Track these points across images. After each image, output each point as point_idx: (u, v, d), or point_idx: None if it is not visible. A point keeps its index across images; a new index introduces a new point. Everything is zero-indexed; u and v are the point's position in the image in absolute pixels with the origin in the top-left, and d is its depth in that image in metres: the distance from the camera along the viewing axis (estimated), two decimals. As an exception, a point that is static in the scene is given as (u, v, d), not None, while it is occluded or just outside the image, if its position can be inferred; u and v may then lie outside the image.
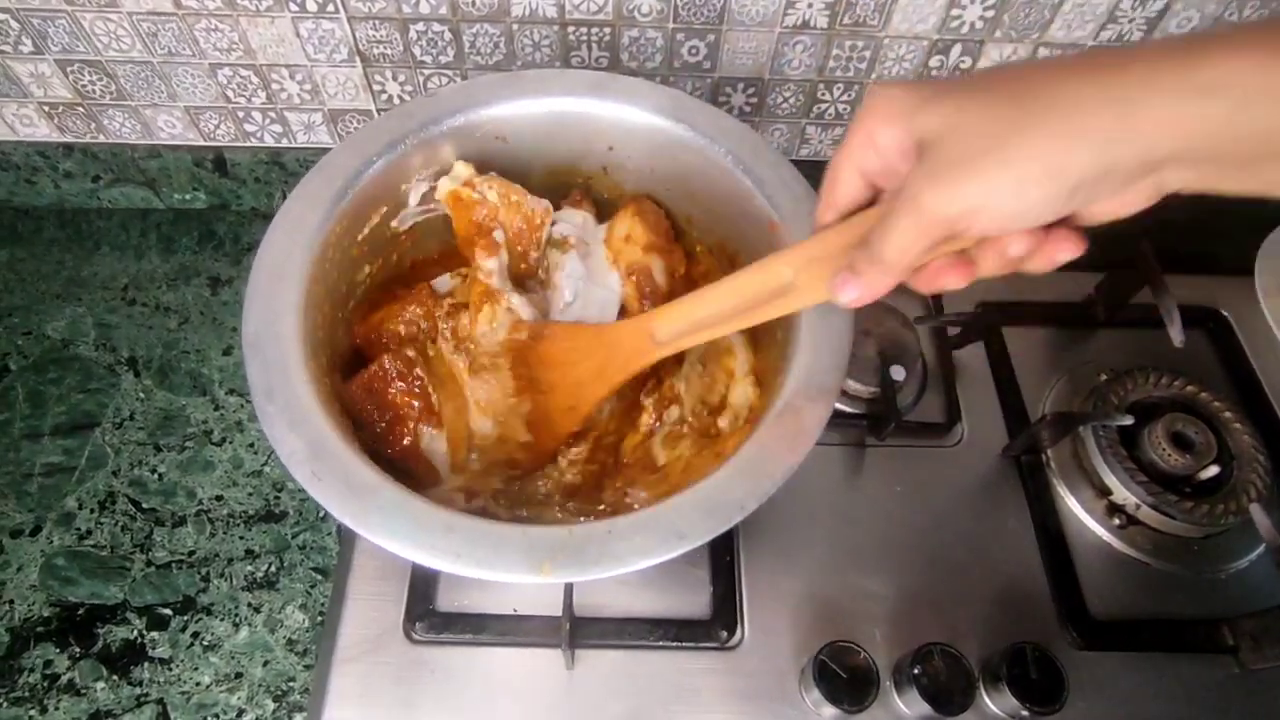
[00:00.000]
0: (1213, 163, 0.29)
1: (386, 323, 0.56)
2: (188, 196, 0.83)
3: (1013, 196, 0.31)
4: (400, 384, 0.52)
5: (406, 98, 0.73)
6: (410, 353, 0.54)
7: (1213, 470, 0.65)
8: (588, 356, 0.52)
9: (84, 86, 0.72)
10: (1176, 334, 0.65)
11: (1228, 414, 0.67)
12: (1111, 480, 0.65)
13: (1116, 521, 0.65)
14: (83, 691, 0.58)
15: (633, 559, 0.41)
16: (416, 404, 0.53)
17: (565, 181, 0.61)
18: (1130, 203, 0.32)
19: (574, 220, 0.60)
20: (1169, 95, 0.28)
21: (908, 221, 0.33)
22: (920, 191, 0.32)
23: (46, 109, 0.74)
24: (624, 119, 0.56)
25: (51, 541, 0.64)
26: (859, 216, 0.39)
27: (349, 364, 0.55)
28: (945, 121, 0.32)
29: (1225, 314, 0.77)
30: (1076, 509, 0.66)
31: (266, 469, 0.68)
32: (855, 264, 0.37)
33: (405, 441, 0.52)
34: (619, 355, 0.50)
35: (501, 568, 0.40)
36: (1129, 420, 0.65)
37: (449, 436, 0.53)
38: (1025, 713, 0.53)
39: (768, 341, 0.54)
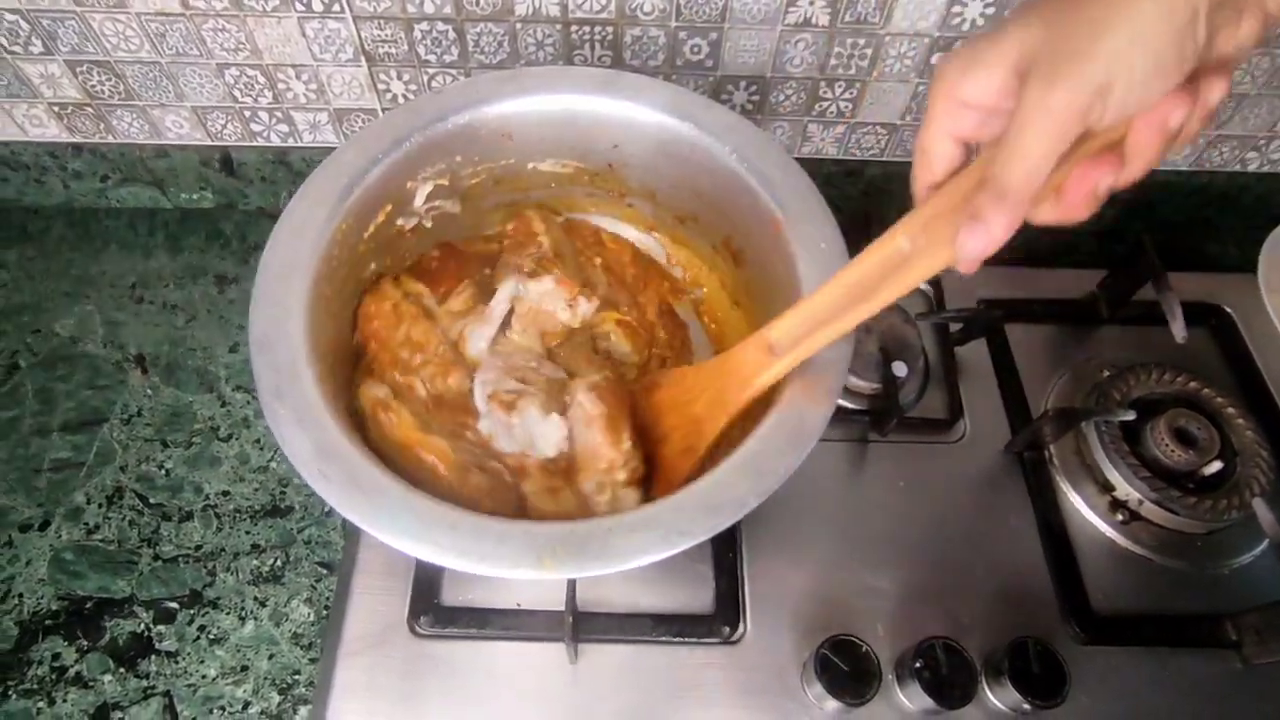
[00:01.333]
0: None
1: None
2: (195, 196, 0.84)
3: (1141, 54, 0.29)
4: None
5: (411, 97, 0.74)
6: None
7: (1216, 466, 0.65)
8: (705, 390, 0.50)
9: (93, 87, 0.73)
10: (1179, 330, 0.66)
11: (1231, 410, 0.67)
12: (1114, 476, 0.65)
13: (1119, 517, 0.65)
14: (90, 684, 0.59)
15: (634, 555, 0.41)
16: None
17: (570, 179, 0.62)
18: (1248, 34, 0.30)
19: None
20: None
21: (1035, 130, 0.31)
22: (1042, 95, 0.30)
23: (56, 109, 0.75)
24: (629, 116, 0.56)
25: (60, 536, 0.64)
26: (965, 173, 0.37)
27: (357, 361, 0.56)
28: (1034, 32, 0.31)
29: (1228, 310, 0.77)
30: (1079, 505, 0.66)
31: (273, 464, 0.68)
32: (978, 207, 0.34)
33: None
34: (737, 378, 0.48)
35: (504, 563, 0.41)
36: (1131, 416, 0.65)
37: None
38: (1027, 706, 0.53)
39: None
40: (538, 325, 0.58)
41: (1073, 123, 0.30)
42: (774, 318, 0.46)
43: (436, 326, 0.57)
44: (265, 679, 0.59)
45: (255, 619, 0.62)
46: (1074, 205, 0.34)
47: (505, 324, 0.58)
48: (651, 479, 0.52)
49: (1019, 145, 0.31)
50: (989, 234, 0.33)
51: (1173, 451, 0.64)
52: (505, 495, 0.50)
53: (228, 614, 0.62)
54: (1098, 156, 0.32)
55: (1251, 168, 0.81)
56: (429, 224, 0.59)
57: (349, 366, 0.55)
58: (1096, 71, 0.29)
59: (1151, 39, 0.28)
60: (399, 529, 0.41)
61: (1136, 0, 0.28)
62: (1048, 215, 0.35)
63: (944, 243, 0.37)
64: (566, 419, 0.52)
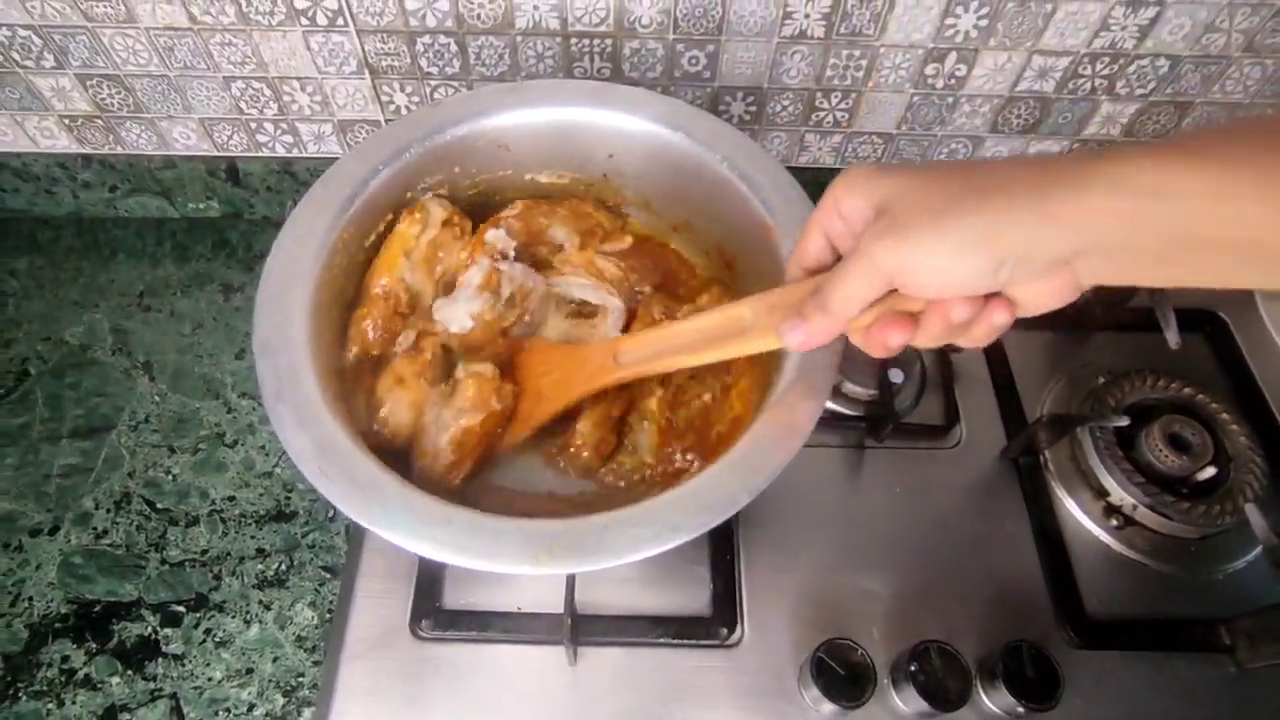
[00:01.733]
0: (1128, 253, 0.33)
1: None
2: (202, 205, 0.85)
3: (947, 259, 0.34)
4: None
5: (414, 108, 0.75)
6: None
7: (1209, 471, 0.65)
8: (555, 369, 0.56)
9: (103, 100, 0.74)
10: (1173, 337, 0.66)
11: (1225, 416, 0.68)
12: (1109, 481, 0.66)
13: (1114, 522, 0.66)
14: (99, 686, 0.60)
15: (628, 551, 0.42)
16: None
17: (566, 189, 0.63)
18: (1051, 291, 0.35)
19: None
20: (1084, 189, 0.32)
21: (855, 271, 0.37)
22: (870, 244, 0.36)
23: (66, 121, 0.76)
24: (623, 127, 0.57)
25: (69, 540, 0.66)
26: (818, 276, 0.42)
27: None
28: (900, 192, 0.36)
29: (1223, 317, 0.77)
30: (1074, 510, 0.67)
31: (277, 470, 0.69)
32: (804, 309, 0.40)
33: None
34: (583, 372, 0.54)
35: (500, 559, 0.42)
36: (1126, 422, 0.65)
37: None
38: (1021, 710, 0.54)
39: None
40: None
41: (881, 279, 0.36)
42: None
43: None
44: (270, 681, 0.60)
45: (260, 622, 0.63)
46: (872, 347, 0.40)
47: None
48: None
49: (844, 274, 0.37)
50: (808, 334, 0.40)
51: (1167, 457, 0.65)
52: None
53: (233, 617, 0.63)
54: (897, 316, 0.39)
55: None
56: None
57: (350, 371, 0.56)
58: (913, 251, 0.35)
59: (965, 255, 0.34)
60: (397, 525, 0.42)
61: (970, 223, 0.34)
62: (856, 340, 0.41)
63: (775, 330, 0.42)
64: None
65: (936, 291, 0.36)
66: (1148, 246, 0.32)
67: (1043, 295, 0.35)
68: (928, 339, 0.38)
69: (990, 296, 0.36)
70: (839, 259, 0.41)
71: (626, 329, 0.60)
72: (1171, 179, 0.31)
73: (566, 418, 0.56)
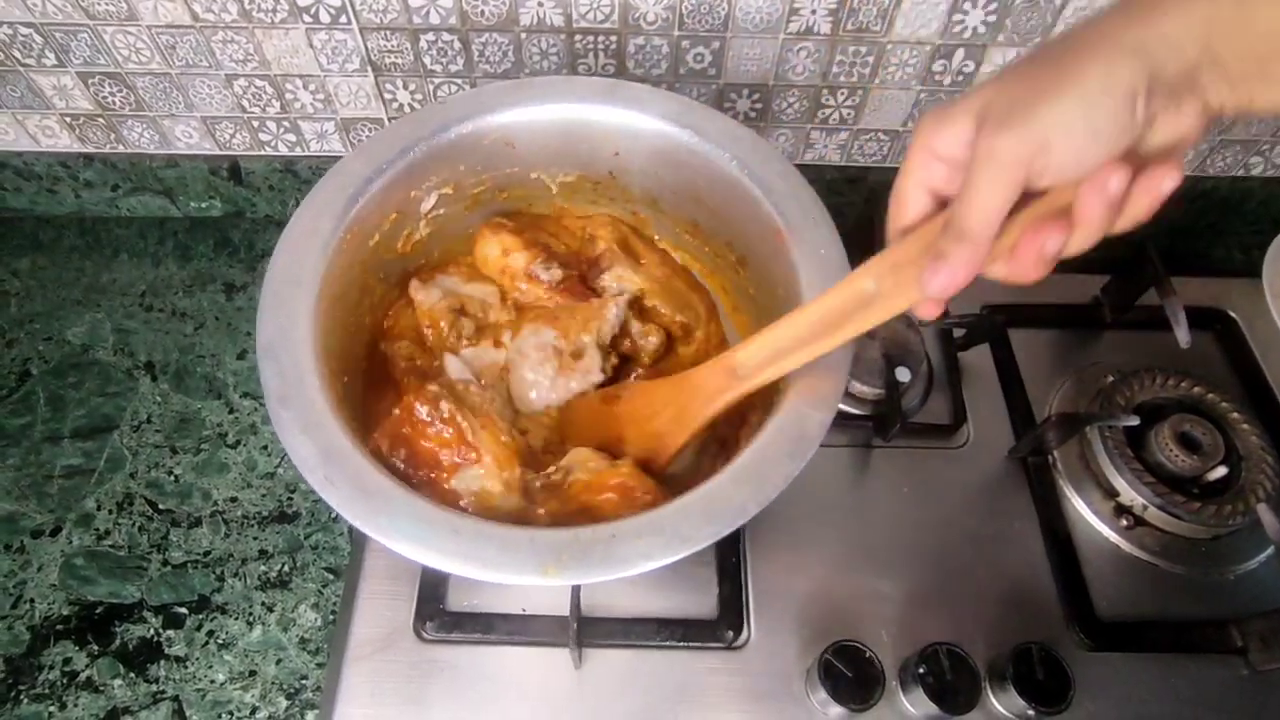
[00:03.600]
0: (1237, 64, 0.31)
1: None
2: (204, 205, 0.85)
3: (1080, 118, 0.31)
4: (431, 428, 0.50)
5: (417, 106, 0.75)
6: (434, 388, 0.51)
7: (1220, 471, 0.65)
8: (667, 406, 0.51)
9: (104, 98, 0.74)
10: (1183, 335, 0.66)
11: (1235, 415, 0.67)
12: (1119, 481, 0.65)
13: (1124, 522, 0.65)
14: (101, 689, 0.59)
15: (636, 562, 0.42)
16: (450, 442, 0.50)
17: (573, 187, 0.62)
18: (1189, 124, 0.32)
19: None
20: (1181, 5, 0.31)
21: (984, 176, 0.33)
22: (989, 143, 0.33)
23: (68, 120, 0.76)
24: (630, 125, 0.57)
25: (71, 542, 0.65)
26: (932, 223, 0.38)
27: (362, 368, 0.56)
28: (995, 93, 0.34)
29: (1233, 315, 0.77)
30: (1083, 510, 0.66)
31: (280, 471, 0.69)
32: (941, 248, 0.36)
33: (446, 487, 0.50)
34: (699, 398, 0.50)
35: (507, 569, 0.41)
36: (1135, 421, 0.65)
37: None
38: (1031, 713, 0.53)
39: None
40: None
41: (1016, 170, 0.33)
42: (749, 318, 0.48)
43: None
44: (273, 684, 0.60)
45: (263, 624, 0.62)
46: (1025, 266, 0.35)
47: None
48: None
49: (972, 189, 0.34)
50: (952, 273, 0.36)
51: (1177, 457, 0.64)
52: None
53: (236, 619, 0.62)
54: (1047, 219, 0.34)
55: (1255, 172, 0.81)
56: (431, 232, 0.60)
57: (355, 373, 0.55)
58: (1038, 127, 0.32)
59: (1091, 108, 0.31)
60: (403, 534, 0.42)
61: (1085, 72, 0.31)
62: (1001, 272, 0.37)
63: (908, 285, 0.39)
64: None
65: (1079, 163, 0.32)
66: (1258, 54, 0.30)
67: (1183, 130, 0.33)
68: (1088, 230, 0.34)
69: (1144, 163, 0.33)
70: (943, 207, 0.38)
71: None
72: None
73: None
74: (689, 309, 0.62)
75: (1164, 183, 0.33)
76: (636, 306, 0.60)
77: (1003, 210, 0.34)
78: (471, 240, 0.62)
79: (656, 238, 0.66)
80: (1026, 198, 0.34)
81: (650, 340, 0.60)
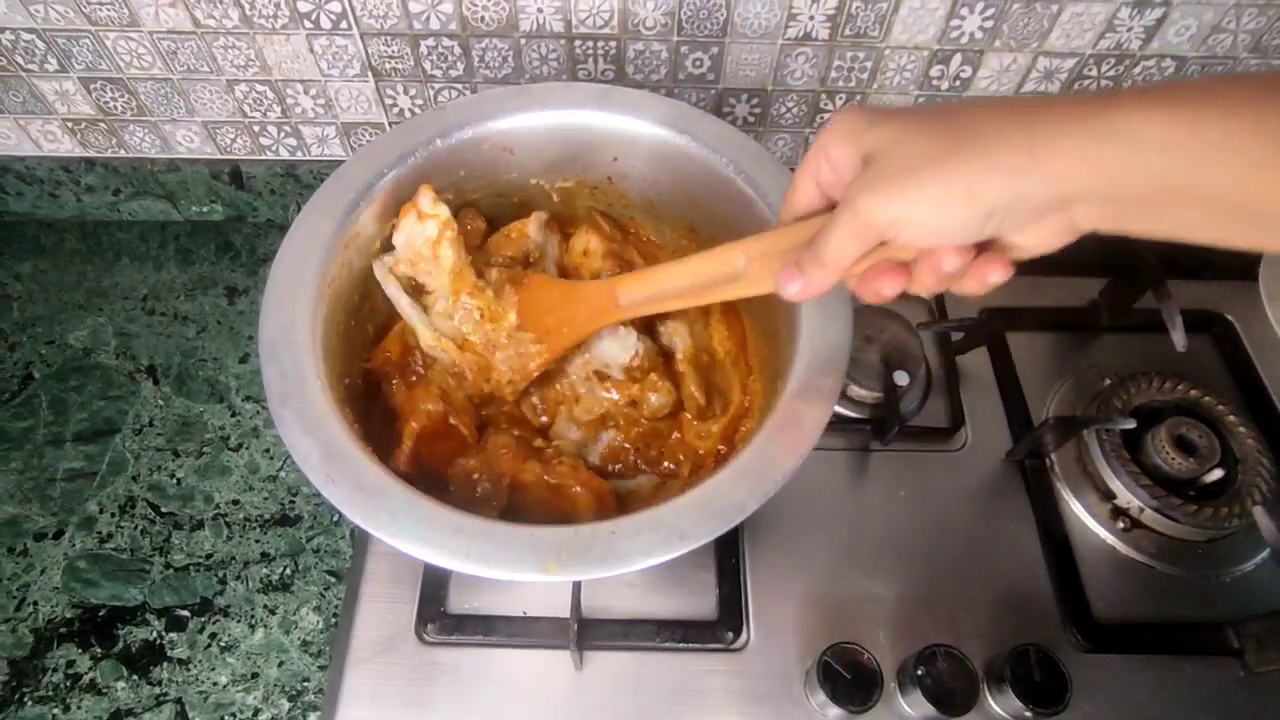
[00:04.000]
0: (1116, 203, 0.32)
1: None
2: (205, 209, 0.85)
3: (934, 211, 0.34)
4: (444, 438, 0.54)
5: (417, 111, 0.75)
6: (430, 406, 0.54)
7: (1217, 474, 0.65)
8: (558, 307, 0.56)
9: (106, 103, 0.74)
10: (1179, 338, 0.66)
11: (1231, 418, 0.67)
12: (1115, 484, 0.66)
13: (1120, 525, 0.65)
14: (104, 691, 0.60)
15: (636, 558, 0.42)
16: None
17: (571, 192, 0.63)
18: (1047, 236, 0.35)
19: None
20: (1074, 137, 0.32)
21: (845, 225, 0.36)
22: (856, 197, 0.36)
23: (70, 125, 0.76)
24: (628, 130, 0.57)
25: (74, 545, 0.66)
26: (812, 220, 0.42)
27: (364, 369, 0.57)
28: (886, 141, 0.36)
29: (1229, 318, 0.77)
30: (1080, 513, 0.66)
31: (282, 474, 0.69)
32: (800, 261, 0.40)
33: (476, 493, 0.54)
34: (583, 311, 0.54)
35: (508, 566, 0.42)
36: (1132, 424, 0.65)
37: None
38: (1029, 714, 0.54)
39: (769, 344, 0.56)
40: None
41: (871, 232, 0.36)
42: (766, 329, 0.50)
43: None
44: (275, 686, 0.60)
45: (265, 627, 0.62)
46: (865, 294, 0.40)
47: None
48: None
49: (834, 230, 0.37)
50: (805, 285, 0.40)
51: (1174, 459, 0.65)
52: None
53: (238, 622, 0.63)
54: (889, 266, 0.38)
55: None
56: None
57: (356, 374, 0.55)
58: (900, 205, 0.35)
59: (951, 206, 0.34)
60: (404, 532, 0.42)
61: (956, 173, 0.33)
62: (851, 287, 0.41)
63: (769, 277, 0.43)
64: None
65: (926, 242, 0.36)
66: (1137, 197, 0.32)
67: (1039, 239, 0.35)
68: (921, 288, 0.38)
69: (983, 247, 0.36)
70: (831, 206, 0.41)
71: None
72: (1162, 129, 0.30)
73: None
74: (715, 392, 0.61)
75: (990, 275, 0.36)
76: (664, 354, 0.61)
77: (856, 256, 0.37)
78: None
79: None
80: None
81: (652, 399, 0.58)
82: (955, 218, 0.34)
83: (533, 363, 0.56)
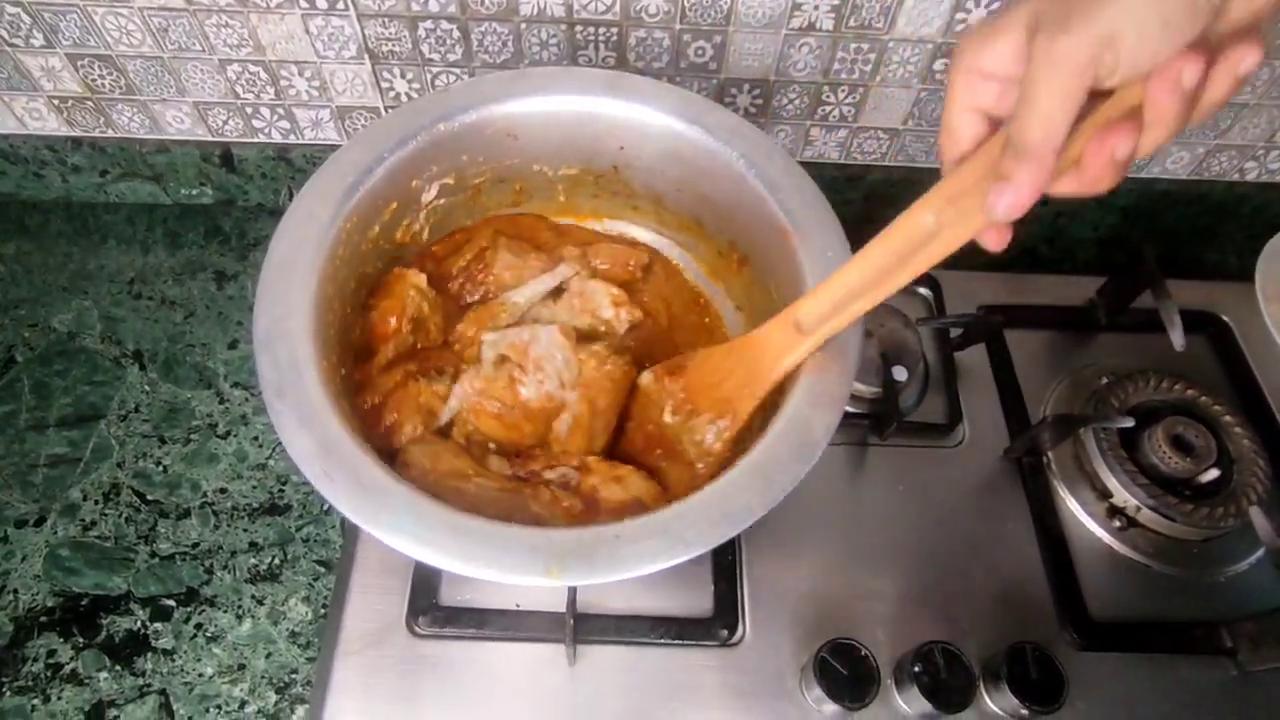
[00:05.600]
0: None
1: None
2: (194, 191, 0.83)
3: (1149, 5, 0.28)
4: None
5: (414, 95, 0.74)
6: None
7: (1213, 473, 0.65)
8: (734, 370, 0.50)
9: (94, 81, 0.72)
10: (1178, 338, 0.66)
11: (1228, 418, 0.68)
12: (1112, 482, 0.66)
13: (1117, 524, 0.65)
14: (86, 681, 0.58)
15: (640, 564, 0.41)
16: None
17: (575, 180, 0.62)
18: None
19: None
20: None
21: (1046, 84, 0.31)
22: (1052, 46, 0.30)
23: (56, 103, 0.74)
24: (636, 119, 0.56)
25: (56, 532, 0.64)
26: (987, 146, 0.36)
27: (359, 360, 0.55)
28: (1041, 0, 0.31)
29: (1226, 319, 0.77)
30: (1077, 511, 0.66)
31: (271, 462, 0.68)
32: (1004, 168, 0.34)
33: None
34: (767, 357, 0.49)
35: (509, 570, 0.40)
36: (1130, 423, 0.65)
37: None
38: (1025, 712, 0.54)
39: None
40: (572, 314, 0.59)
41: (1082, 73, 0.30)
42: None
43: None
44: (262, 678, 0.59)
45: (253, 617, 0.61)
46: (1095, 175, 0.33)
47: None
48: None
49: (1032, 100, 0.31)
50: (1016, 193, 0.33)
51: (1170, 459, 0.65)
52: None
53: (225, 612, 0.61)
54: (1115, 123, 0.32)
55: (1250, 177, 0.82)
56: (431, 222, 0.59)
57: (353, 366, 0.54)
58: (1103, 22, 0.29)
59: None
60: (403, 532, 0.41)
61: None
62: (1070, 186, 0.34)
63: (971, 214, 0.37)
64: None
65: (1151, 57, 0.29)
66: None
67: (1259, 2, 0.29)
68: (1162, 130, 0.31)
69: (1220, 43, 0.30)
70: (995, 129, 0.36)
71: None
72: None
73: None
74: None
75: (1244, 62, 0.30)
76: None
77: (1069, 119, 0.31)
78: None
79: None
80: (1090, 102, 0.31)
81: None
82: (1173, 2, 0.28)
83: (718, 442, 0.51)
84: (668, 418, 0.53)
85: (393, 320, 0.54)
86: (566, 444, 0.53)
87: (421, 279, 0.56)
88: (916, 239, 0.40)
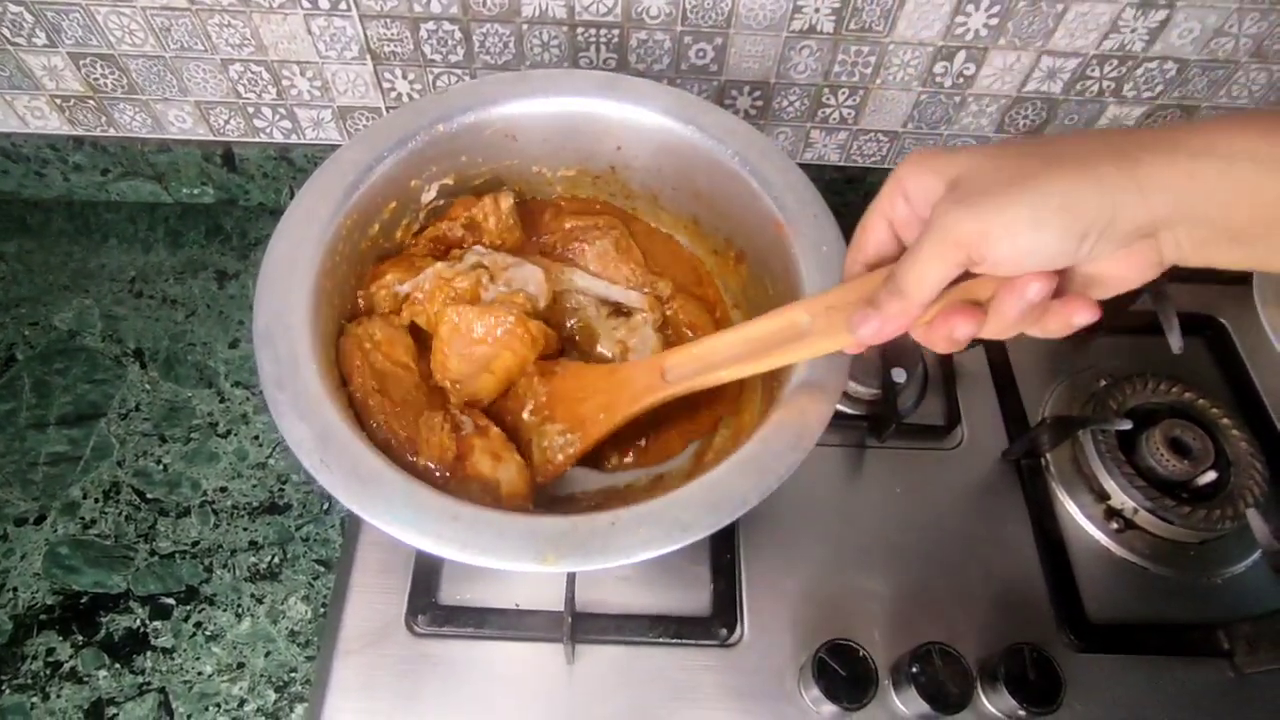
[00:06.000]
0: (1207, 227, 0.32)
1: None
2: (196, 191, 0.84)
3: (1028, 226, 0.32)
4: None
5: (416, 96, 0.74)
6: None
7: (1210, 476, 0.65)
8: (596, 393, 0.52)
9: (96, 80, 0.72)
10: (1176, 341, 0.66)
11: (1225, 420, 0.68)
12: (1110, 485, 0.66)
13: (1114, 526, 0.66)
14: (85, 679, 0.58)
15: (635, 550, 0.42)
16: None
17: (573, 181, 0.62)
18: (1135, 266, 0.34)
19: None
20: (1165, 155, 0.31)
21: (930, 245, 0.34)
22: (943, 216, 0.34)
23: (58, 102, 0.75)
24: (632, 119, 0.57)
25: (56, 530, 0.64)
26: (879, 272, 0.40)
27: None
28: (973, 165, 0.35)
29: (1224, 322, 0.77)
30: (1075, 513, 0.67)
31: (271, 461, 0.68)
32: (875, 299, 0.38)
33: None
34: (627, 393, 0.51)
35: (505, 556, 0.41)
36: (1128, 425, 0.65)
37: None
38: (1022, 713, 0.54)
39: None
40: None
41: (959, 251, 0.34)
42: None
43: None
44: (261, 676, 0.59)
45: (252, 616, 0.61)
46: (936, 340, 0.38)
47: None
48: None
49: (916, 252, 0.35)
50: (881, 323, 0.38)
51: (1168, 461, 0.65)
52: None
53: (224, 611, 0.61)
54: (963, 305, 0.36)
55: (1248, 181, 0.82)
56: (426, 221, 0.59)
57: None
58: (992, 218, 0.33)
59: (1040, 224, 0.32)
60: (400, 519, 0.41)
61: (1051, 187, 0.32)
62: (919, 336, 0.39)
63: (839, 328, 0.41)
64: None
65: (1014, 265, 0.33)
66: (1230, 221, 0.31)
67: (1124, 272, 0.34)
68: (999, 327, 0.36)
69: (1067, 291, 0.34)
70: (899, 254, 0.39)
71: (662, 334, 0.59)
72: (1249, 143, 0.30)
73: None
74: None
75: (1075, 316, 0.34)
76: None
77: (941, 281, 0.35)
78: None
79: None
80: (964, 275, 0.35)
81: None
82: (1050, 235, 0.32)
83: (562, 455, 0.52)
84: (526, 415, 0.54)
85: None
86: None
87: None
88: (788, 333, 0.44)
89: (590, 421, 0.51)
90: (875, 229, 0.40)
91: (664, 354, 0.50)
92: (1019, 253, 0.33)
